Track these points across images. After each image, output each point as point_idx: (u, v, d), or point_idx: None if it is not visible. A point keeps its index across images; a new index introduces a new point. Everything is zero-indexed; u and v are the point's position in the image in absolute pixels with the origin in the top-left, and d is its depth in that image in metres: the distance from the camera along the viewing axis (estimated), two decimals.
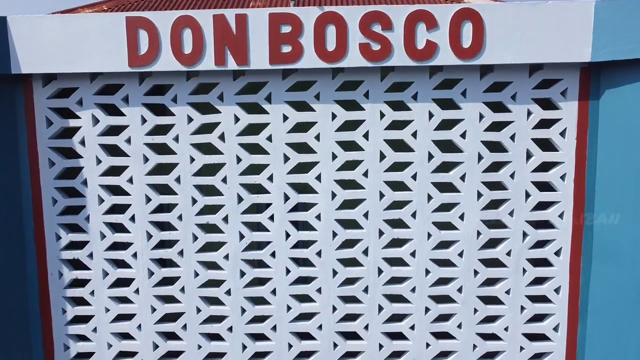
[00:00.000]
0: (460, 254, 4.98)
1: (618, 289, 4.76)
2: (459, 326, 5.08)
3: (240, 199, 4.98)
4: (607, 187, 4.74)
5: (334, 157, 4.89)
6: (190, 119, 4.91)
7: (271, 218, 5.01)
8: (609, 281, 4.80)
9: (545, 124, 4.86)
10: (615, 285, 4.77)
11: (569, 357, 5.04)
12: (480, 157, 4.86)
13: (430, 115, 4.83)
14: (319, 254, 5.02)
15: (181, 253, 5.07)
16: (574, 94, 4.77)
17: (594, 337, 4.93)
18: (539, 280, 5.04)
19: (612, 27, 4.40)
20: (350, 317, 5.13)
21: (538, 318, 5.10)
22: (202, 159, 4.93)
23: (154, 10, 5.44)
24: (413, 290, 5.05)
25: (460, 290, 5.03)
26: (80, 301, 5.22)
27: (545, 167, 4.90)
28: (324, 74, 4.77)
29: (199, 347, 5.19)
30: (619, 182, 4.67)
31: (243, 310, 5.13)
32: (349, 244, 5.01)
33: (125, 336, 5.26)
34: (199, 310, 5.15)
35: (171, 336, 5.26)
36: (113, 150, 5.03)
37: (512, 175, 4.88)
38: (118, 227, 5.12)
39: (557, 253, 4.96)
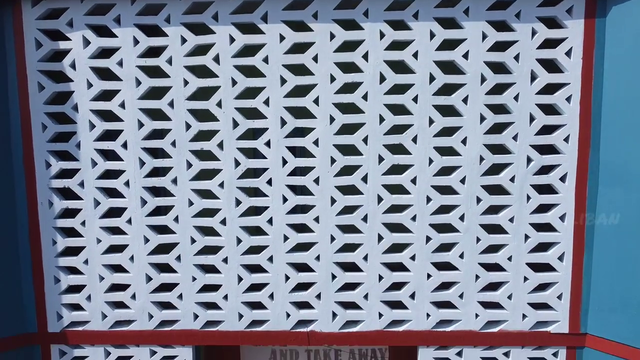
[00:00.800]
0: (463, 180, 4.83)
1: (626, 215, 4.61)
2: (461, 256, 4.93)
3: (235, 124, 4.83)
4: (614, 108, 4.59)
5: (333, 79, 4.74)
6: (183, 40, 4.75)
7: (267, 144, 4.86)
8: (616, 206, 4.65)
9: (550, 44, 4.71)
10: (623, 210, 4.62)
11: (574, 286, 4.89)
12: (483, 79, 4.70)
13: (432, 35, 4.67)
14: (316, 181, 4.87)
15: (175, 181, 4.92)
16: (580, 12, 4.61)
17: (601, 266, 4.78)
18: (543, 208, 4.89)
19: None
20: (349, 248, 4.98)
21: (542, 248, 4.94)
22: (196, 82, 4.78)
23: None
24: (414, 218, 4.90)
25: (462, 218, 4.88)
26: (70, 232, 5.07)
27: (550, 90, 4.74)
28: None
29: (194, 279, 5.05)
30: (626, 102, 4.52)
31: (239, 241, 4.98)
32: (348, 171, 4.85)
33: (118, 269, 5.11)
34: (193, 241, 5.00)
35: (165, 269, 5.11)
36: (104, 74, 4.87)
37: (516, 98, 4.72)
38: (110, 155, 4.97)
39: (563, 179, 4.80)
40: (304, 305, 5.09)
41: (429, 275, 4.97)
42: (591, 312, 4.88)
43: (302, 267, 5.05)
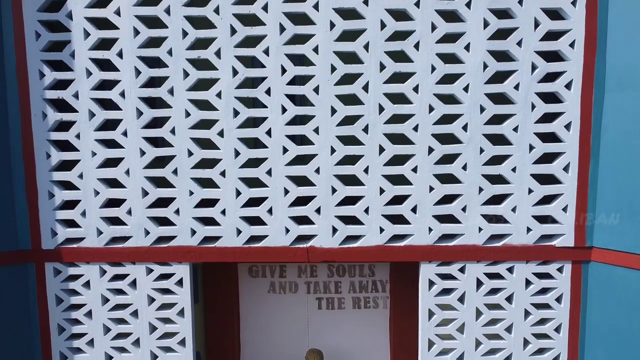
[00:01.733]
0: (466, 89, 4.72)
1: (633, 120, 4.50)
2: (464, 167, 4.82)
3: (233, 31, 4.72)
4: (621, 10, 4.48)
5: None
6: None
7: (266, 52, 4.74)
8: (624, 112, 4.54)
9: None
10: (631, 115, 4.51)
11: (580, 198, 4.79)
12: None
13: None
14: (316, 90, 4.76)
15: (171, 92, 4.81)
16: None
17: (608, 174, 4.67)
18: (548, 118, 4.78)
19: None
20: (350, 161, 4.87)
21: (548, 159, 4.83)
22: None
23: None
24: (416, 128, 4.79)
25: (465, 128, 4.77)
26: (65, 146, 4.95)
27: None
28: None
29: (191, 193, 4.94)
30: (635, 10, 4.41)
31: (237, 153, 4.87)
32: (348, 79, 4.74)
33: (113, 184, 5.00)
34: (190, 154, 4.89)
35: (161, 183, 4.99)
36: None
37: (520, 2, 4.61)
38: (105, 65, 4.86)
39: (568, 86, 4.69)
40: (303, 220, 4.98)
41: (431, 188, 4.86)
42: (597, 224, 4.77)
43: (302, 182, 4.94)
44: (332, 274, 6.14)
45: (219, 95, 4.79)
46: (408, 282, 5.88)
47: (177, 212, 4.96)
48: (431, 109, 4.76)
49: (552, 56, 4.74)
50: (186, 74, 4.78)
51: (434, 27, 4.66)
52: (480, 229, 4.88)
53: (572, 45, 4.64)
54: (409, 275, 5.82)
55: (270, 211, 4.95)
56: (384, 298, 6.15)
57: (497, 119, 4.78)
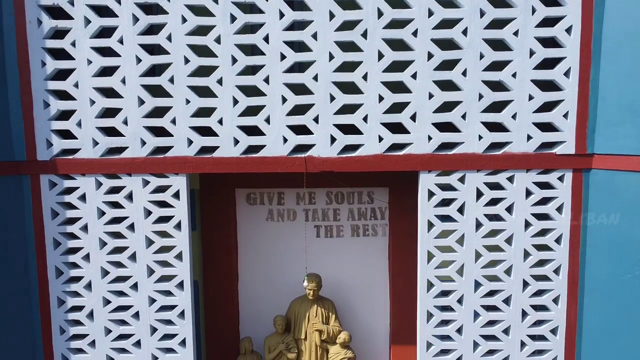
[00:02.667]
0: None
1: (635, 21, 4.45)
2: (464, 73, 4.77)
3: None
4: None
5: None
6: None
7: None
8: (626, 13, 4.49)
9: None
10: (633, 17, 4.46)
11: (580, 103, 4.74)
12: None
13: None
14: None
15: None
16: None
17: (608, 79, 4.63)
18: (549, 22, 4.71)
19: None
20: (348, 68, 4.81)
21: (549, 65, 4.77)
22: None
23: None
24: (415, 33, 4.73)
25: (465, 32, 4.71)
26: (60, 55, 4.89)
27: None
28: None
29: (187, 102, 4.88)
30: None
31: (234, 60, 4.81)
32: None
33: (109, 94, 4.93)
34: (187, 61, 4.83)
35: (157, 92, 4.93)
36: None
37: None
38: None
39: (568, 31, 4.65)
40: (301, 130, 4.93)
41: (430, 95, 4.81)
42: (598, 129, 4.72)
43: (300, 90, 4.88)
44: (331, 201, 6.08)
45: (216, 1, 4.73)
46: (407, 209, 5.83)
47: (173, 121, 4.91)
48: (430, 13, 4.70)
49: None
50: None
51: None
52: (480, 137, 4.83)
53: None
54: (408, 201, 5.76)
55: (268, 120, 4.90)
56: (383, 225, 6.10)
57: (497, 24, 4.72)
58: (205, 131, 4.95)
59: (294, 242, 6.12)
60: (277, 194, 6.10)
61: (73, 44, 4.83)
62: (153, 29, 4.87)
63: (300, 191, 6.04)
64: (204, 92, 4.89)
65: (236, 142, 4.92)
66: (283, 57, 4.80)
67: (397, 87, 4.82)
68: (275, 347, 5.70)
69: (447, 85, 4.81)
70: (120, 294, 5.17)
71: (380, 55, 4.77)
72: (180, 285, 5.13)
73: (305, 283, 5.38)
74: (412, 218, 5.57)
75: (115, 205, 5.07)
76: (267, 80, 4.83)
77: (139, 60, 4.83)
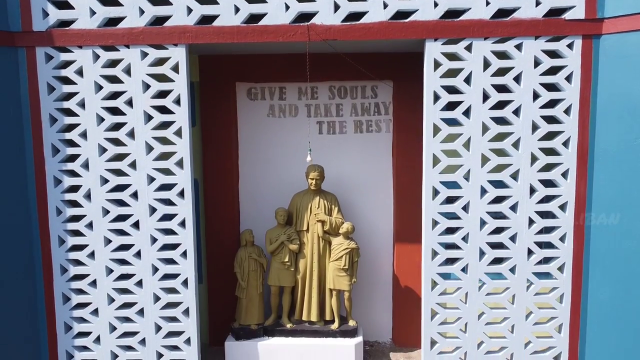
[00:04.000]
0: None
1: None
2: None
3: None
4: None
5: None
6: None
7: None
8: None
9: None
10: None
11: (588, 7, 4.62)
12: None
13: None
14: None
15: None
16: None
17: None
18: None
19: None
20: None
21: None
22: None
23: None
24: None
25: None
26: None
27: None
28: None
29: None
30: None
31: None
32: None
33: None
34: None
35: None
36: None
37: None
38: None
39: None
40: None
41: None
42: None
43: None
44: (334, 95, 5.96)
45: None
46: (412, 103, 5.71)
47: None
48: None
49: None
50: None
51: None
52: (487, 3, 4.70)
53: None
54: (413, 96, 5.65)
55: None
56: (387, 121, 5.97)
57: None
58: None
59: (296, 139, 6.00)
60: (278, 88, 5.98)
61: None
62: None
63: (303, 85, 5.92)
64: None
65: (237, 10, 4.79)
66: None
67: None
68: (277, 239, 5.58)
69: None
70: (121, 203, 5.06)
71: None
72: (182, 193, 5.01)
73: (309, 158, 5.23)
74: (417, 114, 5.46)
75: (114, 80, 4.95)
76: None
77: None
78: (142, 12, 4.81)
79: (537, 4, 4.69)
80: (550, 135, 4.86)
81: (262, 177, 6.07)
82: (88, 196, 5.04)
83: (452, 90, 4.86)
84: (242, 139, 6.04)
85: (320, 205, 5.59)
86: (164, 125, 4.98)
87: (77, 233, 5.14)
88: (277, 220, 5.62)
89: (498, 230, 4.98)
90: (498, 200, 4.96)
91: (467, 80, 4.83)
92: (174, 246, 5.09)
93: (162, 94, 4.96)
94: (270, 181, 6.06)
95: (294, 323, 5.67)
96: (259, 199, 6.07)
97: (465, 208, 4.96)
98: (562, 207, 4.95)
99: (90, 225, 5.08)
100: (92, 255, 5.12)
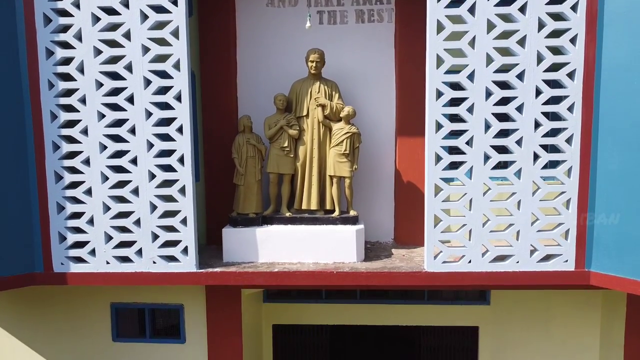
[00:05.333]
0: None
1: None
2: None
3: None
4: None
5: None
6: None
7: None
8: None
9: None
10: None
11: None
12: None
13: None
14: None
15: None
16: None
17: None
18: None
19: None
20: None
21: None
22: None
23: None
24: None
25: None
26: None
27: None
28: None
29: None
30: None
31: None
32: None
33: None
34: None
35: None
36: None
37: None
38: None
39: None
40: None
41: None
42: None
43: None
44: None
45: None
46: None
47: None
48: None
49: None
50: None
51: None
52: None
53: None
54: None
55: None
56: (389, 10, 5.81)
57: None
58: None
59: (295, 29, 5.83)
60: None
61: None
62: None
63: None
64: None
65: None
66: None
67: None
68: (276, 124, 5.43)
69: None
70: (115, 107, 4.95)
71: None
72: (178, 97, 4.89)
73: (308, 24, 5.03)
74: (419, 4, 5.28)
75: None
76: None
77: None
78: None
79: None
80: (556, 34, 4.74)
81: (261, 69, 5.91)
82: (83, 101, 4.93)
83: None
84: (240, 30, 5.86)
85: (320, 91, 5.46)
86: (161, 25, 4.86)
87: (71, 140, 5.02)
88: (276, 106, 5.47)
89: (503, 133, 4.85)
90: (503, 102, 4.83)
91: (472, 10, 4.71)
92: (169, 152, 4.98)
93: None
94: (269, 73, 5.89)
95: (293, 213, 5.56)
96: (258, 91, 5.89)
97: (470, 110, 4.84)
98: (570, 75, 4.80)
99: (85, 132, 4.96)
100: (87, 162, 5.00)
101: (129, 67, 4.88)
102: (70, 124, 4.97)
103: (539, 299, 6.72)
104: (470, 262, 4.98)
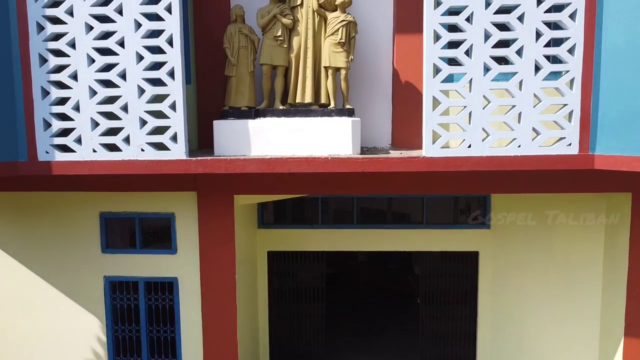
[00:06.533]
0: None
1: None
2: None
3: None
4: None
5: None
6: None
7: None
8: None
9: None
10: None
11: None
12: None
13: None
14: None
15: None
16: None
17: None
18: None
19: None
20: None
21: None
22: None
23: None
24: None
25: None
26: None
27: None
28: None
29: None
30: None
31: None
32: None
33: None
34: None
35: None
36: None
37: None
38: None
39: None
40: None
41: None
42: None
43: None
44: None
45: None
46: None
47: None
48: None
49: None
50: None
51: None
52: None
53: None
54: None
55: None
56: None
57: None
58: None
59: None
60: None
61: None
62: None
63: None
64: None
65: None
66: None
67: None
68: (269, 13, 5.21)
69: None
70: None
71: None
72: None
73: None
74: None
75: None
76: None
77: None
78: None
79: None
80: None
81: None
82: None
83: None
84: None
85: None
86: None
87: (56, 21, 4.83)
88: None
89: (505, 10, 4.67)
90: None
91: None
92: (158, 33, 4.79)
93: None
94: None
95: (287, 107, 5.37)
96: None
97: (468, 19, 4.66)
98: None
99: (70, 12, 4.77)
100: (72, 45, 4.81)
101: None
102: (55, 4, 4.79)
103: (541, 217, 6.56)
104: (470, 146, 4.80)
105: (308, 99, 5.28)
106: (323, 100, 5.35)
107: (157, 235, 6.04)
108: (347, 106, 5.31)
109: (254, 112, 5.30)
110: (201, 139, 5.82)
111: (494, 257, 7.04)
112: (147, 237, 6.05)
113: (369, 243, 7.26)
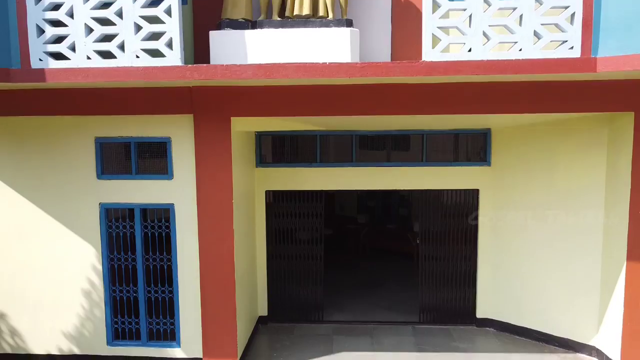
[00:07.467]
0: None
1: None
2: None
3: None
4: None
5: None
6: None
7: None
8: None
9: None
10: None
11: None
12: None
13: None
14: None
15: None
16: None
17: None
18: None
19: None
20: None
21: None
22: None
23: None
24: None
25: None
26: None
27: None
28: None
29: None
30: None
31: None
32: None
33: None
34: None
35: None
36: None
37: None
38: None
39: None
40: None
41: None
42: None
43: None
44: None
45: None
46: None
47: None
48: None
49: None
50: None
51: None
52: None
53: None
54: None
55: None
56: None
57: None
58: None
59: None
60: None
61: None
62: None
63: None
64: None
65: None
66: None
67: None
68: None
69: None
70: None
71: None
72: None
73: None
74: None
75: None
76: None
77: None
78: None
79: None
80: None
81: None
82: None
83: None
84: None
85: None
86: None
87: None
88: None
89: None
90: None
91: None
92: None
93: None
94: None
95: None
96: None
97: None
98: None
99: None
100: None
101: None
102: None
103: (542, 148, 6.47)
104: (470, 50, 4.72)
105: (306, 10, 5.20)
106: (321, 12, 5.27)
107: (153, 160, 5.94)
108: (346, 17, 5.23)
109: (251, 24, 5.21)
110: (197, 58, 5.75)
111: (494, 194, 6.97)
112: (144, 163, 5.96)
113: (368, 182, 7.17)
